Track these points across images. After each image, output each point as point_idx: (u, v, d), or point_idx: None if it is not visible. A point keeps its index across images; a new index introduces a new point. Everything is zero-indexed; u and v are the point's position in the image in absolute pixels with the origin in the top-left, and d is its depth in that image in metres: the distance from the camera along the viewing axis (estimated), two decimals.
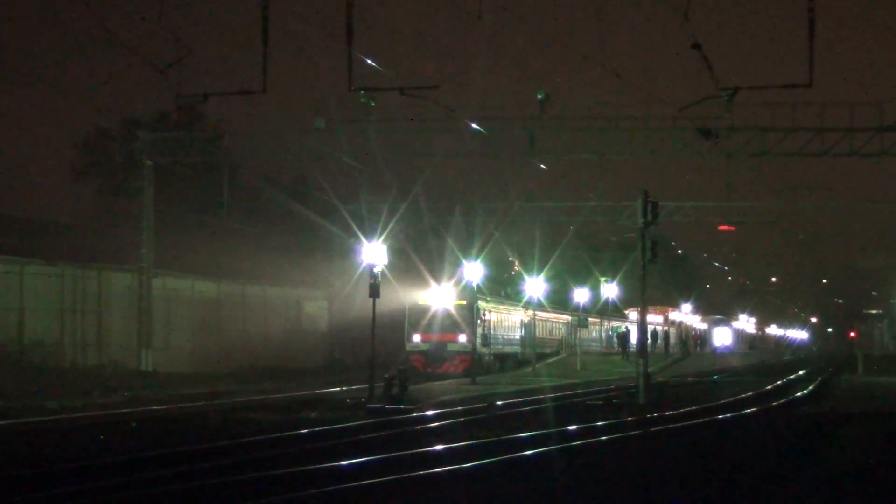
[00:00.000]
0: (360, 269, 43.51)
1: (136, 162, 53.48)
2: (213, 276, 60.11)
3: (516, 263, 78.98)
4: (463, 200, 64.89)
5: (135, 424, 28.14)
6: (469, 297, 55.07)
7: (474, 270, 50.54)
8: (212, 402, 36.58)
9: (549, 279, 64.82)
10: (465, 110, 48.79)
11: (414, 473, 17.62)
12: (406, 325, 55.16)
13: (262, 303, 64.21)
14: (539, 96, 47.90)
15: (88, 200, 69.71)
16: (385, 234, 40.99)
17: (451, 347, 54.66)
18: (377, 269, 37.75)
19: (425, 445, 21.30)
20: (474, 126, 48.09)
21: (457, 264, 57.26)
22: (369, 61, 33.76)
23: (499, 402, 33.36)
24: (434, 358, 54.12)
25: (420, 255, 61.45)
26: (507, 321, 63.04)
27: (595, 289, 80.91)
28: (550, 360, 68.17)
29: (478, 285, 53.24)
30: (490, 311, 58.70)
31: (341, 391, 41.74)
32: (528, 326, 64.35)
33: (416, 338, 54.91)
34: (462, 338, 54.49)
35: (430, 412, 30.84)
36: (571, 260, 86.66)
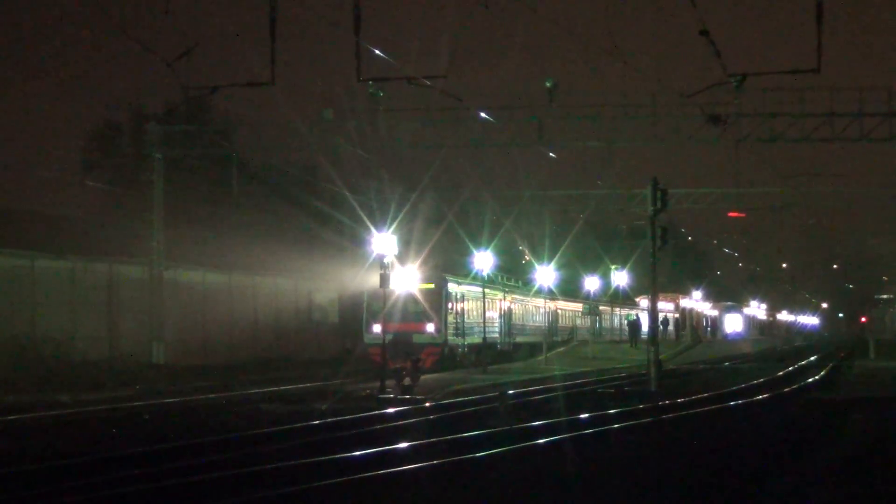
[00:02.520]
0: (371, 260, 43.38)
1: (145, 155, 53.55)
2: (223, 269, 60.14)
3: (526, 252, 78.89)
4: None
5: (147, 417, 28.20)
6: (438, 279, 48.66)
7: (485, 259, 49.90)
8: (224, 394, 36.64)
9: (559, 267, 64.57)
10: (474, 99, 48.44)
11: (428, 463, 17.67)
12: (364, 313, 48.04)
13: (272, 294, 64.20)
14: (547, 84, 47.83)
15: (98, 194, 69.78)
16: (395, 224, 41.07)
17: (417, 339, 46.96)
18: (387, 260, 37.82)
19: (438, 435, 21.33)
20: (483, 115, 48.03)
21: (425, 244, 51.63)
22: (377, 51, 33.78)
23: (510, 392, 33.37)
24: (396, 351, 43.22)
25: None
26: (486, 305, 54.06)
27: (605, 277, 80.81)
28: (559, 349, 68.16)
29: (444, 263, 49.91)
30: (464, 296, 50.85)
31: (352, 382, 41.75)
32: (508, 313, 59.78)
33: (376, 328, 45.68)
34: (430, 327, 47.56)
35: (442, 402, 30.86)
36: (581, 248, 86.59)
